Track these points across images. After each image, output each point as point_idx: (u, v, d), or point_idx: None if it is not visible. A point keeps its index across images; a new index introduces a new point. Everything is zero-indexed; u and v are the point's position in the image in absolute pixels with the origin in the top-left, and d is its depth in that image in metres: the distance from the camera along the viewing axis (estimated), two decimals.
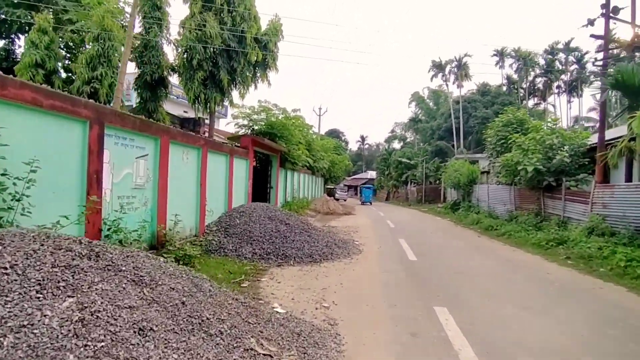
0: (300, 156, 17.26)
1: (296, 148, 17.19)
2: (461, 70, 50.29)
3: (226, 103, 12.02)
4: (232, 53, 11.03)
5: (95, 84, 7.74)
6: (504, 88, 57.08)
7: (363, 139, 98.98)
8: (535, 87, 54.80)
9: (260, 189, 16.18)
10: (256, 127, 16.16)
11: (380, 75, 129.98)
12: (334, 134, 75.50)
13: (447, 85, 53.77)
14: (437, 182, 42.51)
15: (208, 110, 11.19)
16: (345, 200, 48.18)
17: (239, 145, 11.76)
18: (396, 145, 73.67)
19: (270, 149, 14.94)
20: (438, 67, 52.88)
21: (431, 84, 59.67)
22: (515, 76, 56.00)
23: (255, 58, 11.12)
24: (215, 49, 10.90)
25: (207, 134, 14.21)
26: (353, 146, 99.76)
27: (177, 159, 7.48)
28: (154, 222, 6.59)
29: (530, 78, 53.32)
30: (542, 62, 52.37)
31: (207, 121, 16.02)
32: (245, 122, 16.26)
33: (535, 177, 14.13)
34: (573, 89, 52.57)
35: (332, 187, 51.89)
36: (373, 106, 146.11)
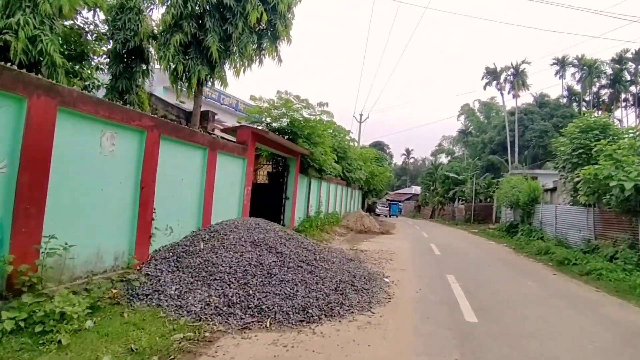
0: (326, 161, 14.44)
1: (322, 152, 14.47)
2: (518, 78, 45.47)
3: (219, 86, 9.43)
4: (226, 13, 8.34)
5: (7, 35, 5.50)
6: (564, 100, 51.39)
7: (408, 152, 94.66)
8: (600, 99, 48.72)
9: (273, 200, 13.59)
10: (275, 125, 13.69)
11: (428, 85, 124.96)
12: (378, 146, 72.19)
13: (502, 94, 48.86)
14: (489, 200, 38.03)
15: (193, 92, 8.67)
16: (386, 216, 44.75)
17: (234, 140, 9.22)
18: (443, 159, 69.12)
19: (284, 149, 12.25)
20: (492, 74, 48.28)
21: (482, 96, 55.21)
22: (577, 87, 50.24)
23: (258, 20, 8.13)
24: (201, 4, 8.33)
25: (215, 131, 11.85)
26: (398, 160, 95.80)
27: (82, 145, 4.75)
28: (4, 248, 3.83)
29: (594, 89, 47.41)
30: (609, 71, 46.39)
31: (216, 115, 13.76)
32: (264, 119, 13.84)
33: (636, 197, 10.46)
34: None
35: (373, 201, 48.74)
36: (420, 119, 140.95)
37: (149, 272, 5.35)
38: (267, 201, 13.68)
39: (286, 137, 13.54)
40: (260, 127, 12.27)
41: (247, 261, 5.82)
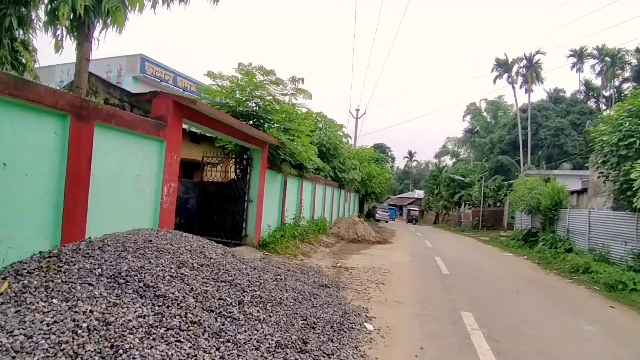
0: (301, 153, 11.37)
1: (301, 143, 11.43)
2: (531, 71, 42.26)
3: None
4: None
5: None
6: (581, 96, 48.16)
7: (411, 154, 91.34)
8: (622, 94, 45.43)
9: (234, 205, 10.59)
10: (241, 109, 10.72)
11: (431, 84, 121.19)
12: (380, 148, 69.03)
13: (513, 88, 45.54)
14: (498, 204, 34.93)
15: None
16: (387, 221, 41.59)
17: (147, 113, 6.27)
18: (448, 161, 65.90)
19: (240, 135, 9.20)
20: (503, 65, 44.97)
21: (489, 95, 52.06)
22: (595, 81, 46.99)
23: None
24: None
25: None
26: (400, 163, 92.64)
27: None
28: None
29: (616, 82, 44.12)
30: (633, 61, 43.04)
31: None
32: (225, 101, 10.87)
33: None
34: None
35: (373, 205, 45.57)
36: (423, 120, 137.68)
37: None
38: (225, 206, 10.69)
39: (250, 122, 10.57)
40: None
41: (76, 322, 2.84)
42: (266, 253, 9.89)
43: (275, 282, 5.94)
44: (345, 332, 4.70)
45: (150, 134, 6.08)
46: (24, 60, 7.08)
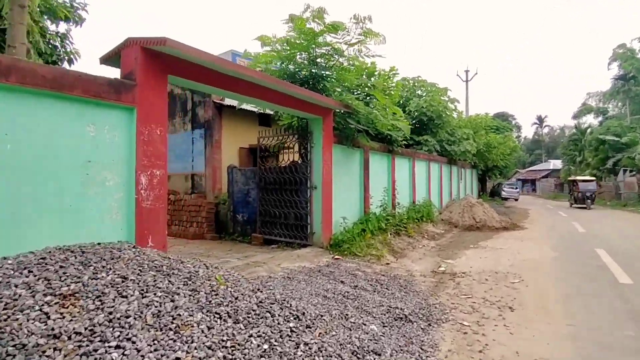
0: (377, 117, 8.26)
1: (374, 104, 8.39)
2: None
3: None
4: None
5: None
6: None
7: (541, 120, 78.26)
8: None
9: (289, 193, 8.25)
10: (304, 73, 8.31)
11: (557, 35, 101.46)
12: (502, 117, 59.69)
13: None
14: None
15: None
16: (516, 199, 35.11)
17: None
18: (592, 121, 53.82)
19: (277, 99, 6.76)
20: None
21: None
22: None
23: None
24: None
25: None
26: (527, 132, 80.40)
27: None
28: None
29: None
30: None
31: None
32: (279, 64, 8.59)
33: None
34: None
35: (498, 182, 39.07)
36: (551, 78, 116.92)
37: None
38: (286, 197, 8.46)
39: (306, 87, 8.07)
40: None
41: None
42: (336, 256, 7.35)
43: (309, 319, 3.43)
44: None
45: (104, 99, 4.02)
46: None
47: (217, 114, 10.77)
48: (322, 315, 3.98)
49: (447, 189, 17.95)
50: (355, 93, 8.74)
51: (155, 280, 3.46)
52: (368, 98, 9.28)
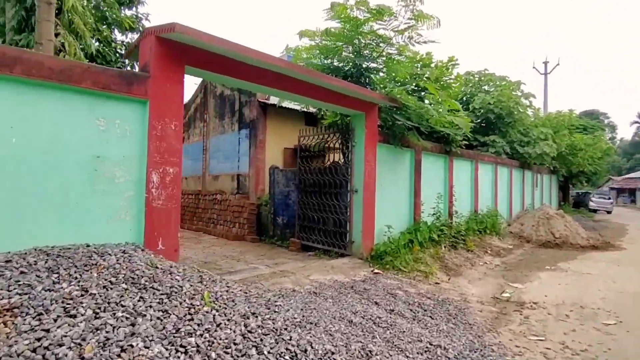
0: (428, 111, 7.09)
1: (437, 100, 7.25)
2: None
3: None
4: None
5: None
6: None
7: None
8: None
9: (329, 197, 7.43)
10: (345, 67, 7.53)
11: None
12: (591, 115, 53.06)
13: None
14: None
15: None
16: (609, 212, 30.65)
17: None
18: None
19: (314, 93, 5.99)
20: None
21: None
22: None
23: None
24: None
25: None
26: (624, 133, 70.95)
27: None
28: None
29: None
30: None
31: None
32: (322, 60, 7.85)
33: None
34: None
35: (584, 191, 34.49)
36: None
37: None
38: (326, 200, 7.72)
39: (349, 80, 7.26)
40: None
41: None
42: (376, 270, 6.42)
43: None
44: None
45: (115, 91, 3.68)
46: None
47: (261, 114, 10.36)
48: (333, 354, 3.14)
49: (518, 197, 15.86)
50: (405, 85, 7.71)
51: (122, 297, 2.90)
52: (422, 93, 8.21)
